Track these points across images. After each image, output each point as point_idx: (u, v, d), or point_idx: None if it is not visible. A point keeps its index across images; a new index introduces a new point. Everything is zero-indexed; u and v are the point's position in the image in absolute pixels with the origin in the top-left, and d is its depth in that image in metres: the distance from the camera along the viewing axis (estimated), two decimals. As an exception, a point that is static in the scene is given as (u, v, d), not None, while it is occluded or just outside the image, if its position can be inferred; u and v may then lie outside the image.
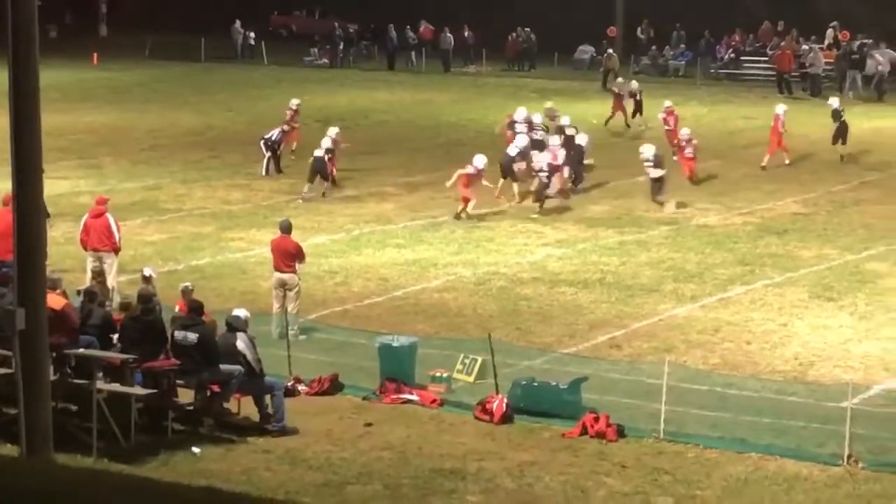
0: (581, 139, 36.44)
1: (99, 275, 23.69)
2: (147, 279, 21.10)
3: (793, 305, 24.83)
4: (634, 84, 48.07)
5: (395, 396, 19.38)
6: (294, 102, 40.24)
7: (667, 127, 40.96)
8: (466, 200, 31.94)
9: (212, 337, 18.23)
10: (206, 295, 21.63)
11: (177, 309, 19.99)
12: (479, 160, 32.42)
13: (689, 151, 36.85)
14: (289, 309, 22.34)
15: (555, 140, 35.15)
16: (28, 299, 15.45)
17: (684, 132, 37.47)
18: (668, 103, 42.37)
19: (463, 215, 31.91)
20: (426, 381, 19.86)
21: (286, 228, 23.39)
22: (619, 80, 53.49)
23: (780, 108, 40.31)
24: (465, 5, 72.39)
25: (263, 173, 37.30)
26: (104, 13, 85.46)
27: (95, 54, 68.58)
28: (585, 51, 69.52)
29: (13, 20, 15.10)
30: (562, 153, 34.18)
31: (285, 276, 22.69)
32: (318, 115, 47.18)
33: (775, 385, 20.12)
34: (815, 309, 24.64)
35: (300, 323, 22.36)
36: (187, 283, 21.01)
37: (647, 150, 34.30)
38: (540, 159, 33.47)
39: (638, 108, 46.63)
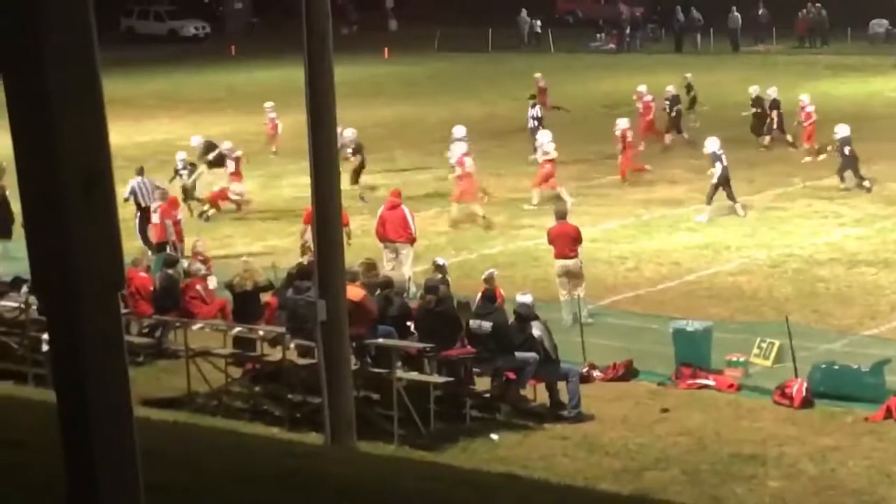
0: None
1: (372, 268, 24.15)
2: (440, 268, 21.39)
3: None
4: None
5: (690, 381, 19.18)
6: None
7: None
8: None
9: (506, 325, 18.38)
10: (499, 283, 21.79)
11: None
12: None
13: None
14: (579, 294, 22.36)
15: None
16: (328, 291, 15.86)
17: None
18: None
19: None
20: (722, 366, 19.60)
21: (563, 214, 23.48)
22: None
23: None
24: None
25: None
26: (392, 8, 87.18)
27: (386, 49, 69.98)
28: (880, 24, 67.39)
29: (307, 21, 15.52)
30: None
31: (570, 262, 22.70)
32: (605, 101, 47.02)
33: None
34: None
35: (589, 308, 22.35)
36: (492, 270, 21.05)
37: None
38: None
39: None
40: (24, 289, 21.41)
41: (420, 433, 17.26)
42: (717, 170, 30.33)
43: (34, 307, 20.93)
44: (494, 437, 17.30)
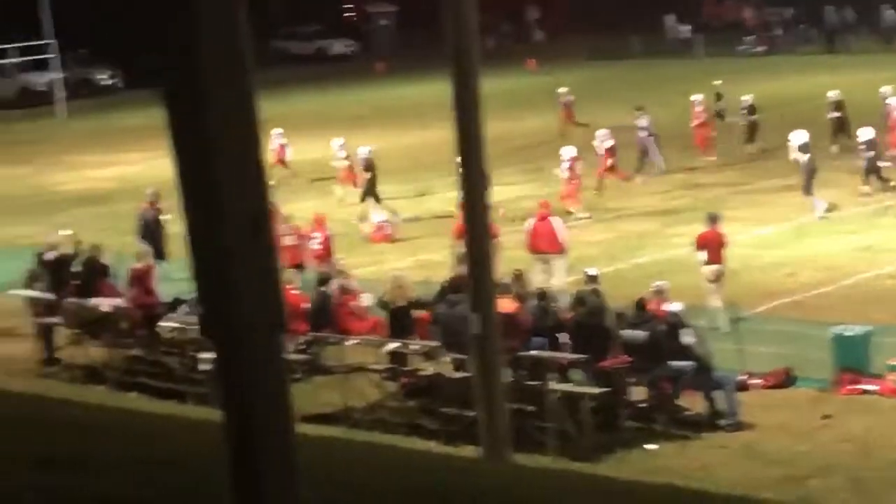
0: None
1: (519, 278, 24.13)
2: (592, 279, 21.29)
3: None
4: None
5: (851, 387, 18.81)
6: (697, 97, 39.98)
7: None
8: None
9: (660, 334, 18.22)
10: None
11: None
12: None
13: None
14: (718, 301, 22.21)
15: None
16: (480, 305, 15.87)
17: None
18: None
19: None
20: (883, 371, 19.19)
21: (715, 220, 23.35)
22: None
23: None
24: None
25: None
26: (537, 19, 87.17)
27: (532, 60, 69.96)
28: None
29: (453, 36, 15.56)
30: None
31: (717, 267, 22.59)
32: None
33: None
34: None
35: (739, 313, 22.04)
36: (661, 283, 20.77)
37: None
38: None
39: None
40: (183, 309, 21.80)
41: (575, 445, 17.18)
42: (804, 162, 30.72)
43: (192, 328, 21.31)
44: (650, 447, 17.15)
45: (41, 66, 65.93)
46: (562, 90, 46.78)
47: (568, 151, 33.10)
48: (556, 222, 24.85)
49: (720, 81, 45.70)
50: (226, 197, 3.02)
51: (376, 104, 59.67)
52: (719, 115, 42.49)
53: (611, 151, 34.99)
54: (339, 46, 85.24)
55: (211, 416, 17.50)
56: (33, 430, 10.45)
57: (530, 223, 25.20)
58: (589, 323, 18.54)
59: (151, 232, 28.03)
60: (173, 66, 3.08)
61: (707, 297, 22.57)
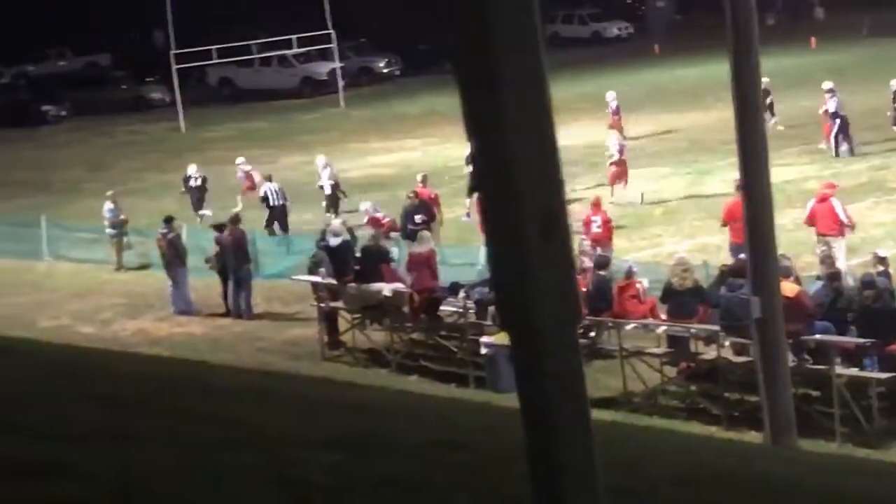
0: None
1: (827, 258, 23.55)
2: (882, 260, 20.64)
3: None
4: None
5: None
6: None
7: None
8: None
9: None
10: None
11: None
12: None
13: None
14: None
15: None
16: (762, 288, 15.59)
17: None
18: None
19: None
20: None
21: None
22: None
23: None
24: None
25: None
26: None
27: (812, 38, 68.32)
28: None
29: (732, 13, 15.32)
30: None
31: None
32: None
33: None
34: None
35: None
36: None
37: None
38: None
39: None
40: (462, 294, 22.06)
41: (863, 431, 16.74)
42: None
43: (472, 312, 21.54)
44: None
45: (323, 56, 67.54)
46: (610, 94, 44.73)
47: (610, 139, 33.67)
48: (836, 203, 24.20)
49: (767, 79, 43.94)
50: (521, 186, 3.04)
51: (653, 86, 59.18)
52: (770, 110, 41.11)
53: None
54: (614, 29, 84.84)
55: (492, 400, 17.66)
56: (321, 411, 10.70)
57: (811, 204, 24.63)
58: (875, 307, 18.01)
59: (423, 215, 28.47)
60: (463, 46, 3.07)
61: None
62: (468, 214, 31.55)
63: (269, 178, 34.71)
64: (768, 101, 40.94)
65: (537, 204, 3.05)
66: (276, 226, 32.92)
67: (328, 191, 34.42)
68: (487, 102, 3.03)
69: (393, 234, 27.64)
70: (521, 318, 3.11)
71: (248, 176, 37.30)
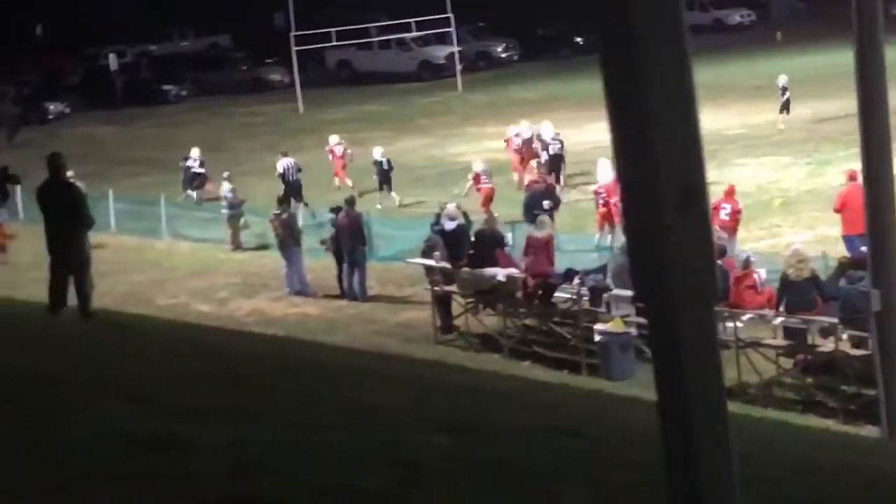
0: None
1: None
2: None
3: None
4: None
5: None
6: None
7: None
8: None
9: None
10: None
11: None
12: None
13: None
14: None
15: None
16: (882, 280, 15.36)
17: None
18: None
19: None
20: None
21: None
22: None
23: None
24: None
25: None
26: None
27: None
28: None
29: (857, 3, 15.08)
30: None
31: None
32: None
33: None
34: None
35: None
36: None
37: None
38: None
39: None
40: (576, 281, 21.99)
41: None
42: None
43: (586, 299, 21.47)
44: None
45: (441, 40, 67.66)
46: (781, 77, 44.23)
47: None
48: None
49: (785, 76, 43.07)
50: (661, 164, 3.01)
51: (774, 74, 58.49)
52: (786, 108, 40.42)
53: None
54: (736, 16, 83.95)
55: (605, 388, 17.61)
56: (434, 394, 10.75)
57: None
58: None
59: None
60: (605, 18, 3.05)
61: None
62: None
63: (285, 154, 35.33)
64: (785, 97, 40.77)
65: (676, 176, 3.02)
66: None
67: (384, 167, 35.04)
68: (628, 72, 3.00)
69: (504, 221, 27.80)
70: (658, 293, 3.09)
71: (343, 155, 37.62)
